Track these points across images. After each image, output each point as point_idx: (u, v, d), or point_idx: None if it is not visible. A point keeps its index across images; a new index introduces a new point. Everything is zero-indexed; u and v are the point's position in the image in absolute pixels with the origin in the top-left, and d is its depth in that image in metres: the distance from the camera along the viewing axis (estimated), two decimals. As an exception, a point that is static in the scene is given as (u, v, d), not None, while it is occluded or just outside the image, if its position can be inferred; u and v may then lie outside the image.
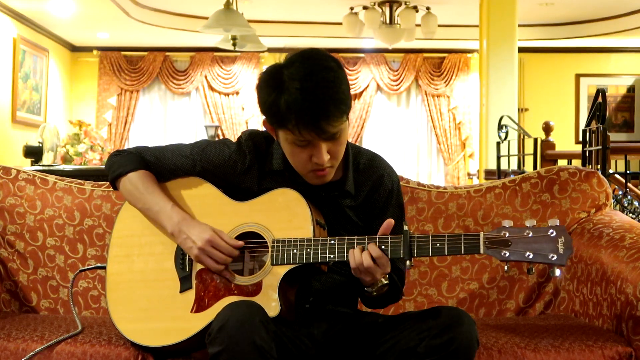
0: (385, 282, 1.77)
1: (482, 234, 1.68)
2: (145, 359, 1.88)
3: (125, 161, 1.96)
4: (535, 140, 5.76)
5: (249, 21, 5.91)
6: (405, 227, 1.72)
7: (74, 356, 1.90)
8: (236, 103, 10.02)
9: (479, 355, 1.87)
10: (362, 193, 1.93)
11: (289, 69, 1.72)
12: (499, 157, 6.37)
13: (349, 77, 1.78)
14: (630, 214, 4.81)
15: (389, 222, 1.74)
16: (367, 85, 10.01)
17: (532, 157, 5.81)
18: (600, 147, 4.43)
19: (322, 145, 1.74)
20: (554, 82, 10.07)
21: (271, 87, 1.73)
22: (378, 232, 1.75)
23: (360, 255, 1.71)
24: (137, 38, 9.40)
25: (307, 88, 1.68)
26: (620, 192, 4.87)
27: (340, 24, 7.91)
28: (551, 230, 1.64)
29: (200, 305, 1.83)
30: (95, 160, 6.08)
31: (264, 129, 1.89)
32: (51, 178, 2.53)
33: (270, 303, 1.75)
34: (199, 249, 1.81)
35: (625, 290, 1.97)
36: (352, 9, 7.78)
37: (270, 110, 1.75)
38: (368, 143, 9.99)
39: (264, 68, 10.33)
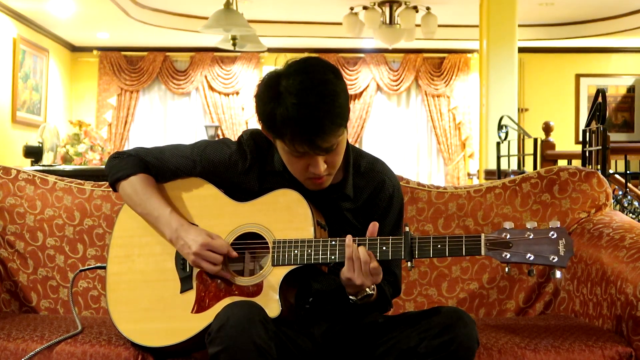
0: (370, 292, 1.75)
1: (483, 235, 1.68)
2: (145, 359, 1.88)
3: (125, 164, 1.95)
4: (535, 140, 5.76)
5: (249, 21, 5.91)
6: (407, 228, 1.72)
7: (74, 356, 1.90)
8: (236, 103, 10.02)
9: (479, 355, 1.87)
10: (362, 197, 1.92)
11: (286, 80, 1.70)
12: (499, 157, 6.37)
13: (349, 78, 1.78)
14: (630, 214, 4.81)
15: (374, 225, 1.75)
16: (367, 86, 9.99)
17: (532, 157, 5.81)
18: (600, 147, 4.43)
19: (318, 157, 1.74)
20: (554, 82, 10.07)
21: (268, 98, 1.72)
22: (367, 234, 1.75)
23: (357, 250, 1.71)
24: (137, 38, 9.40)
25: (303, 103, 1.66)
26: (620, 192, 4.87)
27: (340, 24, 7.90)
28: (552, 232, 1.64)
29: (200, 306, 1.83)
30: (95, 160, 6.08)
31: (263, 130, 1.89)
32: (51, 178, 2.53)
33: (271, 304, 1.75)
34: (194, 254, 1.81)
35: (625, 291, 1.97)
36: (352, 9, 7.78)
37: (266, 122, 1.75)
38: (368, 143, 9.96)
39: (264, 68, 10.30)
